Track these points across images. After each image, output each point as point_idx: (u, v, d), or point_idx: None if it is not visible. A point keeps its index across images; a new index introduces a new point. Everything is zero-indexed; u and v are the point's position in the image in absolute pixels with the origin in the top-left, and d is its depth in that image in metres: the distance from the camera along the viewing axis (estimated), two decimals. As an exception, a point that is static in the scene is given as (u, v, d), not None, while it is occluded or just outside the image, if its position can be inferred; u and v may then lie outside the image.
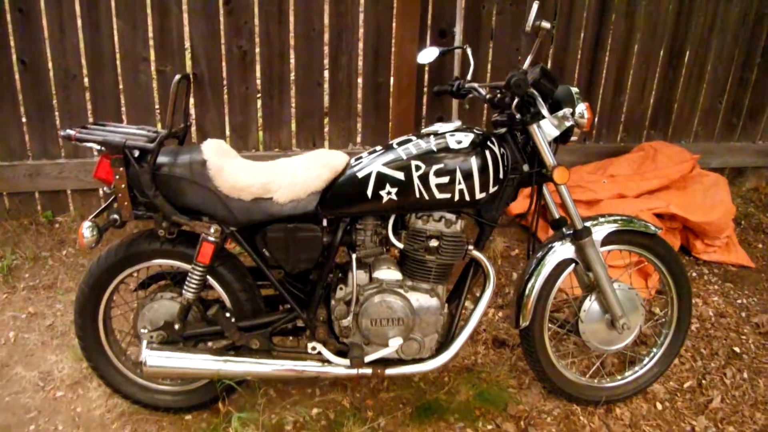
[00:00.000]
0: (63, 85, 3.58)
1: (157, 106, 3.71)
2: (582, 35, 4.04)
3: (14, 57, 3.53)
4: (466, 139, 2.26)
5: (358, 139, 4.03)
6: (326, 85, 3.90)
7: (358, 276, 2.37)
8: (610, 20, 4.05)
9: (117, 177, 2.20)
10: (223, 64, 3.71)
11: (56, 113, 3.69)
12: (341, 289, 2.40)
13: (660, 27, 4.13)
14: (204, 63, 3.66)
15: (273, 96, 3.81)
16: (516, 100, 2.26)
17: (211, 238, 2.28)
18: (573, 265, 2.53)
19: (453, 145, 2.25)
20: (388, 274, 2.39)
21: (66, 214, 3.85)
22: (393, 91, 3.90)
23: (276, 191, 2.24)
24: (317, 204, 2.27)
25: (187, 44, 3.64)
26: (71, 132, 2.22)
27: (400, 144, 2.31)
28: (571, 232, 2.49)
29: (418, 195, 2.23)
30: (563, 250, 2.51)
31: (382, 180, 2.23)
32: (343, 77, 3.87)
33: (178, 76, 2.23)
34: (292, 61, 3.80)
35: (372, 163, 2.26)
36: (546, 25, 2.13)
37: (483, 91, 2.47)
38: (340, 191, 2.27)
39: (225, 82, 3.74)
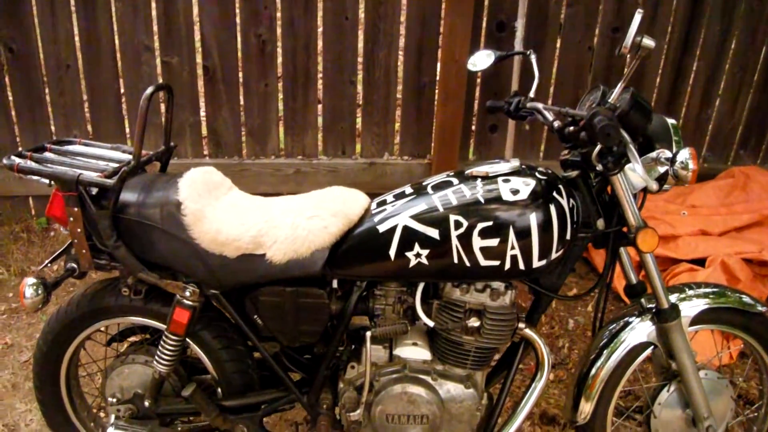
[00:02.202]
0: (56, 77, 3.20)
1: (162, 103, 3.22)
2: (668, 36, 3.40)
3: (1, 44, 3.15)
4: (525, 187, 1.70)
5: (396, 149, 3.49)
6: (360, 84, 3.42)
7: (374, 353, 1.86)
8: (704, 18, 3.38)
9: (71, 219, 1.72)
10: (239, 56, 3.27)
11: (49, 108, 3.25)
12: (352, 367, 1.89)
13: (762, 26, 3.46)
14: (216, 55, 3.21)
15: (297, 95, 3.34)
16: (598, 147, 1.67)
17: (187, 302, 1.79)
18: (651, 348, 2.00)
19: (507, 196, 1.69)
20: (414, 352, 1.87)
21: (62, 220, 3.41)
22: (438, 94, 3.38)
23: (270, 246, 1.73)
24: (324, 263, 1.74)
25: (197, 32, 3.13)
26: (16, 160, 1.76)
27: (436, 188, 1.77)
28: (654, 307, 1.93)
29: (456, 260, 1.69)
30: (642, 329, 1.98)
31: (409, 237, 1.70)
32: (379, 75, 3.38)
33: (150, 89, 1.72)
34: (320, 54, 3.30)
35: (398, 214, 1.73)
36: (649, 42, 1.54)
37: (550, 116, 1.90)
38: (355, 248, 1.76)
39: (241, 78, 3.31)
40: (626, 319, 2.02)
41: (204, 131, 3.39)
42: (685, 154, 1.67)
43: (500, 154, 3.60)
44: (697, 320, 1.98)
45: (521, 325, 1.85)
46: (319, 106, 3.42)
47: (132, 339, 2.12)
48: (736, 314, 2.02)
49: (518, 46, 3.03)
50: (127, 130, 3.32)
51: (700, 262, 3.06)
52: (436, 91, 3.40)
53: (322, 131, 3.47)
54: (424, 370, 1.85)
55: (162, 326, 1.89)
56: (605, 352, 1.98)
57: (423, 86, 3.40)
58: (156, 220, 1.72)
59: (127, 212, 1.73)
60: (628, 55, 1.61)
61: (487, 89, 3.42)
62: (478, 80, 3.44)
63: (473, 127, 3.53)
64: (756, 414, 2.24)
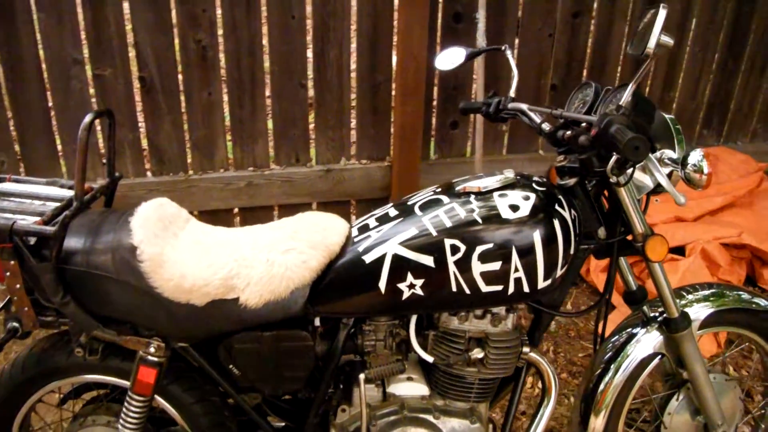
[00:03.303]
0: (-26, 98, 2.81)
1: (97, 124, 2.93)
2: (629, 17, 3.29)
3: None
4: (525, 202, 1.54)
5: (353, 152, 3.28)
6: (311, 87, 3.16)
7: (367, 393, 1.67)
8: (662, -1, 3.29)
9: (8, 274, 1.47)
10: (178, 64, 2.97)
11: (-31, 133, 2.91)
12: (343, 411, 1.70)
13: (722, 4, 3.39)
14: (153, 64, 2.91)
15: (243, 102, 3.07)
16: (615, 158, 1.51)
17: (152, 359, 1.56)
18: (659, 357, 1.88)
19: (506, 214, 1.53)
20: (410, 388, 1.70)
21: None
22: (396, 93, 3.17)
23: (243, 289, 1.51)
24: (305, 301, 1.55)
25: (131, 40, 2.85)
26: None
27: (424, 208, 1.59)
28: (660, 316, 1.83)
29: (454, 288, 1.52)
30: (648, 340, 1.88)
31: (400, 266, 1.52)
32: (331, 76, 3.13)
33: (88, 117, 1.49)
34: (266, 57, 3.05)
35: (385, 240, 1.55)
36: (668, 40, 1.40)
37: (537, 118, 1.74)
38: (339, 282, 1.57)
39: (182, 87, 3.01)
40: (630, 330, 1.90)
41: (145, 147, 3.11)
42: (697, 156, 1.53)
43: (463, 152, 3.44)
44: (703, 325, 1.89)
45: (526, 349, 1.70)
46: (269, 113, 3.19)
47: (88, 395, 1.88)
48: (740, 314, 1.94)
49: (480, 38, 2.85)
50: (59, 149, 3.01)
51: (678, 250, 2.99)
52: (393, 89, 3.21)
53: (273, 139, 3.22)
54: (423, 408, 1.68)
55: (124, 383, 1.66)
56: (612, 366, 1.88)
57: (378, 85, 3.19)
58: (108, 268, 1.48)
59: (74, 262, 1.49)
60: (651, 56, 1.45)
61: (446, 84, 3.25)
62: (436, 75, 3.26)
63: (433, 126, 3.35)
64: (762, 411, 2.17)
